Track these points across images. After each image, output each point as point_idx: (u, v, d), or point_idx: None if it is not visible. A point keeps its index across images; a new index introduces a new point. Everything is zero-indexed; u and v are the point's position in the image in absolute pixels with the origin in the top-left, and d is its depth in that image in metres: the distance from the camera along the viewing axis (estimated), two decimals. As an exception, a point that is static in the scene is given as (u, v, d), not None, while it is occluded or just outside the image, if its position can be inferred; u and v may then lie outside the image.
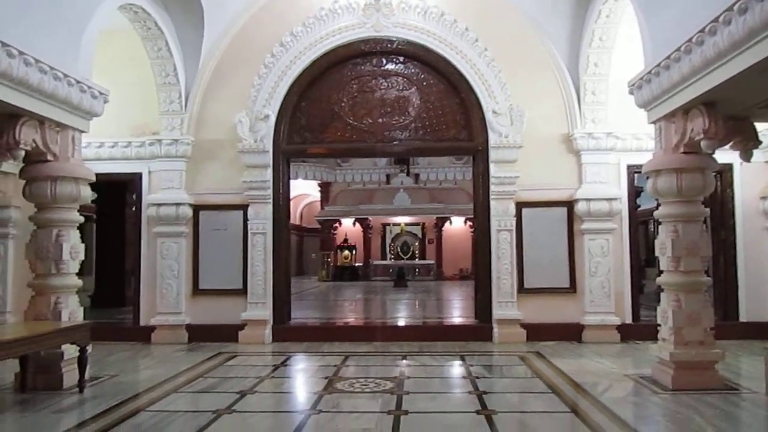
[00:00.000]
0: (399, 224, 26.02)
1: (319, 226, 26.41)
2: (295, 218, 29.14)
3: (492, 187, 8.18)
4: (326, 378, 5.86)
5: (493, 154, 8.15)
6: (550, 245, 8.24)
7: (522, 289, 8.18)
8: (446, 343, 7.89)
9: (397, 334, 8.28)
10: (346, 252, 25.38)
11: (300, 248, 29.49)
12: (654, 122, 5.81)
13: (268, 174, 8.30)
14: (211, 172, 8.54)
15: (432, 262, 24.83)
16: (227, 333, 8.17)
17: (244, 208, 8.36)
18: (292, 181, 24.87)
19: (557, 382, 5.58)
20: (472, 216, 24.32)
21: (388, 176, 25.77)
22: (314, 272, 26.09)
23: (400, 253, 25.99)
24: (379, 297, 15.26)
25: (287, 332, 8.28)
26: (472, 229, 25.43)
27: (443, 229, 25.48)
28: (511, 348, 7.60)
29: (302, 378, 6.16)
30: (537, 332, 8.02)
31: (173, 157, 8.38)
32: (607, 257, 8.09)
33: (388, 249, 26.22)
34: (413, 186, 25.33)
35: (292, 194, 27.44)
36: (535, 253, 8.22)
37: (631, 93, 5.98)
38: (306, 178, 24.60)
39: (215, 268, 8.39)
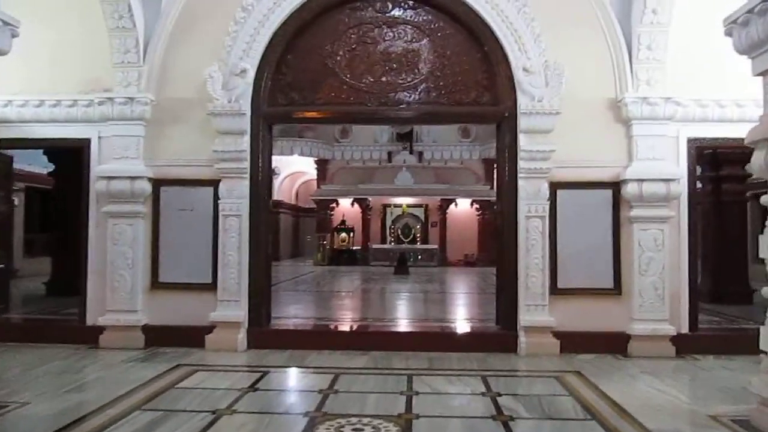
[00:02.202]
0: (401, 205, 24.45)
1: (315, 206, 24.83)
2: (291, 197, 27.65)
3: (521, 163, 6.61)
4: (306, 414, 4.33)
5: (523, 122, 6.56)
6: (591, 236, 6.69)
7: (555, 290, 6.64)
8: (461, 355, 6.37)
9: (400, 342, 6.72)
10: (344, 234, 23.84)
11: (296, 229, 28.04)
12: (761, 74, 4.21)
13: (245, 142, 6.72)
14: (176, 139, 6.95)
15: (435, 246, 23.27)
16: (193, 336, 6.64)
17: (215, 183, 6.79)
18: (286, 158, 23.73)
19: (620, 427, 4.07)
20: (479, 198, 23.14)
21: (389, 153, 24.23)
22: (310, 255, 24.54)
23: (401, 236, 24.47)
24: (378, 286, 13.74)
25: (266, 337, 6.74)
26: (479, 213, 24.20)
27: (448, 211, 23.89)
28: (543, 364, 6.08)
29: (275, 414, 4.58)
30: (572, 343, 6.50)
31: (128, 120, 6.78)
32: (661, 251, 6.54)
33: (388, 231, 24.66)
34: (417, 165, 23.78)
35: (287, 171, 26.19)
36: (572, 246, 6.67)
37: (728, 34, 4.38)
38: (302, 154, 23.13)
39: (179, 257, 6.85)
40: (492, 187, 23.91)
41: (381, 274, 18.01)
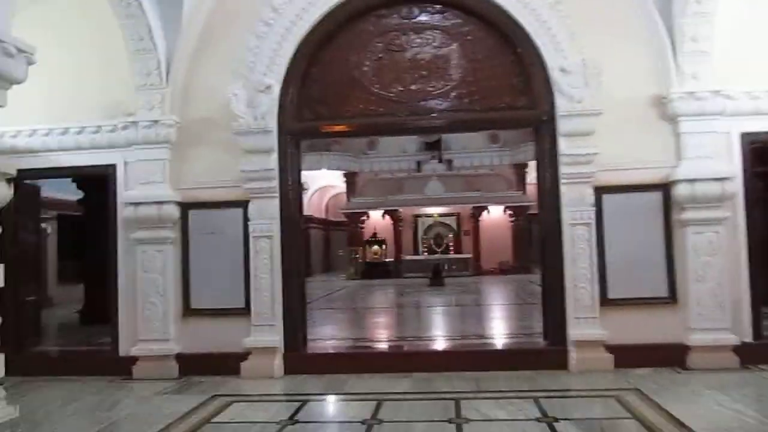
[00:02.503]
0: (432, 215, 24.09)
1: (345, 220, 24.60)
2: (320, 212, 27.50)
3: (562, 168, 6.25)
4: (351, 450, 4.04)
5: (562, 125, 6.21)
6: (641, 242, 6.29)
7: (605, 301, 6.25)
8: (509, 374, 6.02)
9: (443, 362, 6.38)
10: (376, 247, 23.56)
11: (326, 244, 27.85)
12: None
13: (273, 160, 6.49)
14: (202, 161, 6.76)
15: (469, 255, 22.84)
16: (227, 364, 6.41)
17: (244, 204, 6.57)
18: (314, 173, 23.56)
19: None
20: (511, 204, 22.67)
21: (418, 163, 23.90)
22: (342, 269, 24.28)
23: (434, 246, 24.11)
24: (413, 300, 13.41)
25: (303, 362, 6.48)
26: (512, 219, 23.73)
27: (480, 219, 23.46)
28: (598, 381, 5.71)
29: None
30: (626, 356, 6.09)
31: (153, 143, 6.61)
32: (717, 255, 6.12)
33: (420, 242, 24.30)
34: (446, 173, 23.40)
35: (316, 186, 25.97)
36: (622, 253, 6.28)
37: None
38: (330, 168, 22.95)
39: (210, 282, 6.63)
40: (524, 192, 23.48)
41: (415, 286, 17.68)
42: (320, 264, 26.85)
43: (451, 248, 23.95)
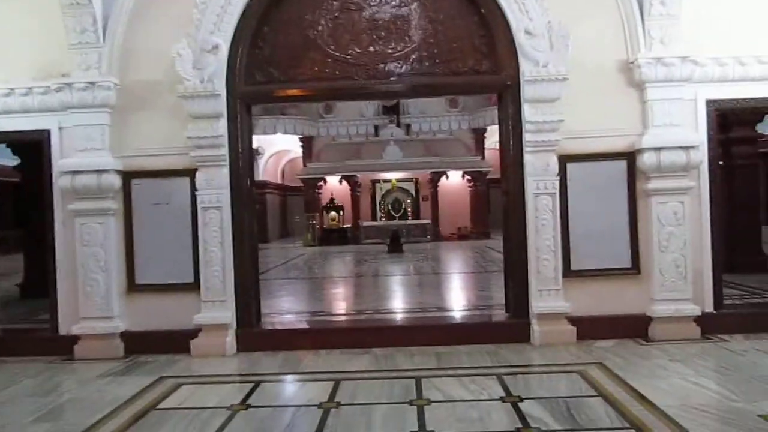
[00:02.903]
0: (390, 181, 23.81)
1: (302, 185, 24.13)
2: (276, 177, 26.95)
3: (526, 136, 6.01)
4: (308, 439, 3.79)
5: (527, 91, 5.95)
6: (605, 212, 6.14)
7: (568, 272, 6.11)
8: (471, 348, 5.84)
9: (403, 336, 6.16)
10: (333, 213, 23.20)
11: (283, 209, 27.42)
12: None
13: (222, 126, 6.07)
14: (146, 127, 6.29)
15: (428, 221, 22.71)
16: (177, 341, 6.09)
17: (191, 173, 6.16)
18: (270, 137, 23.04)
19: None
20: (470, 169, 22.55)
21: (376, 127, 23.52)
22: (300, 235, 23.88)
23: (392, 212, 23.90)
24: (372, 268, 13.17)
25: (256, 339, 6.18)
26: (470, 185, 23.61)
27: (439, 184, 23.29)
28: (561, 355, 5.58)
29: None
30: (589, 328, 6.00)
31: (90, 107, 6.10)
32: (682, 226, 6.01)
33: (378, 208, 24.06)
34: (405, 138, 23.09)
35: (272, 150, 25.39)
36: (586, 224, 6.13)
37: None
38: (285, 132, 22.44)
39: (157, 256, 6.24)
40: (483, 158, 23.39)
41: (374, 253, 17.47)
42: (277, 230, 26.42)
43: (410, 214, 23.77)
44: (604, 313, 6.07)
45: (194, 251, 6.17)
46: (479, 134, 23.50)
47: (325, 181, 23.87)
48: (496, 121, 21.07)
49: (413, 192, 24.09)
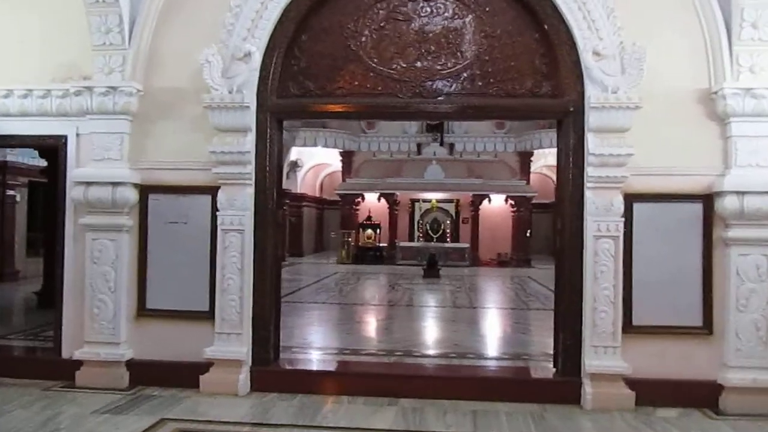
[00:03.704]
0: (430, 200, 23.10)
1: (340, 200, 23.63)
2: (314, 190, 26.56)
3: (589, 170, 5.29)
4: None
5: (593, 118, 5.24)
6: (675, 261, 5.36)
7: (629, 327, 5.33)
8: (512, 407, 5.12)
9: (436, 386, 5.45)
10: (369, 231, 22.62)
11: (320, 223, 26.99)
12: None
13: (249, 141, 5.51)
14: (167, 138, 5.78)
15: (467, 245, 21.91)
16: (186, 375, 5.51)
17: (213, 191, 5.61)
18: (309, 149, 22.68)
19: None
20: (514, 194, 21.70)
21: (419, 145, 22.95)
22: (335, 250, 23.28)
23: (430, 233, 23.16)
24: (406, 295, 12.45)
25: (273, 379, 5.57)
26: (513, 210, 22.76)
27: (480, 207, 22.50)
28: (617, 424, 4.84)
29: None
30: (650, 393, 5.21)
31: (110, 114, 5.62)
32: (765, 282, 5.20)
33: (416, 228, 23.36)
34: (448, 158, 22.44)
35: (311, 163, 25.02)
36: (651, 273, 5.36)
37: None
38: (326, 146, 22.03)
39: (170, 280, 5.70)
40: (528, 182, 22.55)
41: (409, 276, 16.76)
42: (312, 244, 25.97)
43: (448, 236, 23.01)
44: (668, 377, 5.28)
45: (211, 277, 5.61)
46: (525, 157, 22.70)
47: (363, 198, 23.32)
48: (544, 144, 20.34)
49: (453, 214, 23.33)
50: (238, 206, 5.53)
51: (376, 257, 21.80)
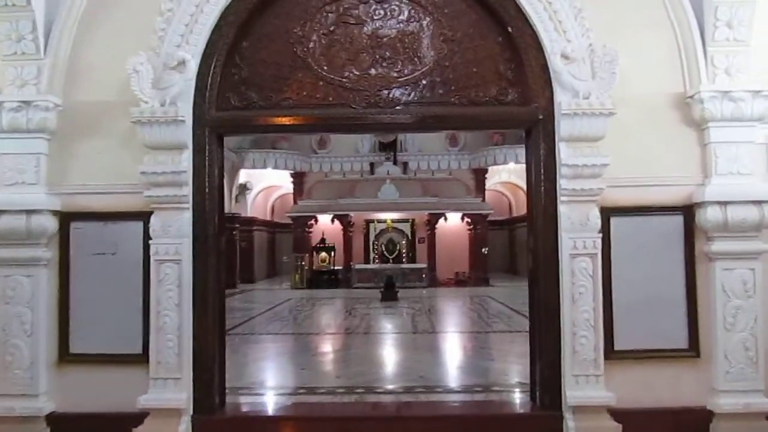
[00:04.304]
0: (385, 221, 22.60)
1: (292, 223, 22.91)
2: (265, 213, 25.76)
3: (562, 182, 4.85)
4: None
5: (564, 126, 4.81)
6: (657, 279, 4.96)
7: (611, 353, 4.88)
8: (490, 450, 4.59)
9: (404, 428, 4.89)
10: (324, 254, 21.93)
11: (271, 248, 26.17)
12: None
13: (185, 159, 4.88)
14: (92, 158, 5.10)
15: (424, 265, 21.42)
16: (117, 428, 4.79)
17: (145, 217, 4.95)
18: (260, 172, 21.97)
19: None
20: (470, 212, 21.38)
21: (372, 165, 22.52)
22: (288, 275, 22.46)
23: (385, 253, 22.62)
24: (364, 321, 11.82)
25: (218, 428, 4.92)
26: (470, 228, 22.43)
27: (437, 226, 22.09)
28: (607, 465, 4.33)
29: None
30: (637, 424, 4.75)
31: (24, 132, 4.91)
32: (752, 298, 4.83)
33: (372, 249, 22.80)
34: (402, 177, 22.03)
35: (261, 185, 24.23)
36: (633, 293, 4.94)
37: None
38: (276, 167, 21.39)
39: (98, 319, 4.99)
40: (483, 200, 22.32)
41: (366, 300, 16.13)
42: (264, 269, 25.09)
43: (404, 257, 22.51)
44: (656, 406, 4.84)
45: (144, 314, 4.93)
46: (480, 174, 22.48)
47: (316, 220, 22.65)
48: (498, 161, 20.06)
49: (409, 233, 22.85)
50: (174, 233, 4.88)
51: (332, 281, 21.13)
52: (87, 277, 5.01)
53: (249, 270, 22.61)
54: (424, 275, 20.86)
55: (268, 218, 26.37)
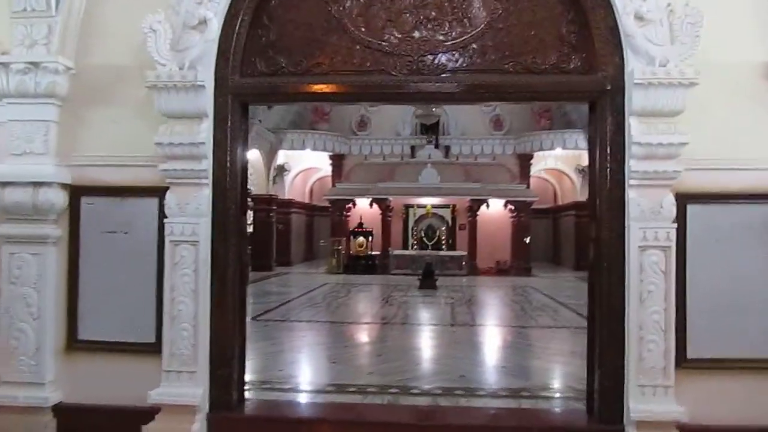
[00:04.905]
0: (425, 206, 21.97)
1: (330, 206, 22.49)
2: (304, 196, 25.43)
3: (632, 164, 4.19)
4: None
5: (636, 98, 4.14)
6: (742, 276, 4.28)
7: (684, 361, 4.24)
8: (539, 468, 4.01)
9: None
10: (361, 238, 21.44)
11: (309, 231, 25.84)
12: None
13: (204, 130, 4.39)
14: (106, 127, 4.66)
15: (464, 253, 20.75)
16: (127, 423, 4.37)
17: (161, 193, 4.49)
18: (299, 153, 21.67)
19: None
20: (513, 199, 20.62)
21: (413, 148, 21.91)
22: (326, 258, 22.06)
23: (425, 240, 22.00)
24: (401, 311, 11.26)
25: (235, 428, 4.45)
26: (513, 215, 21.66)
27: (478, 213, 21.35)
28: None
29: None
30: (713, 446, 4.12)
31: (32, 97, 4.48)
32: None
33: (410, 234, 22.21)
34: (443, 161, 21.36)
35: (300, 167, 23.85)
36: (712, 293, 4.27)
37: None
38: (315, 148, 20.96)
39: (108, 304, 4.57)
40: (528, 186, 21.52)
41: (404, 287, 15.59)
42: (302, 253, 24.79)
43: (444, 243, 21.87)
44: (735, 424, 4.19)
45: (158, 300, 4.48)
46: (525, 160, 21.64)
47: (354, 204, 22.16)
48: (544, 146, 19.09)
49: (449, 220, 22.18)
50: (192, 211, 4.41)
51: (368, 266, 20.64)
52: (97, 257, 4.58)
53: (286, 253, 22.31)
54: (463, 263, 20.21)
55: (307, 201, 26.01)
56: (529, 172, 21.89)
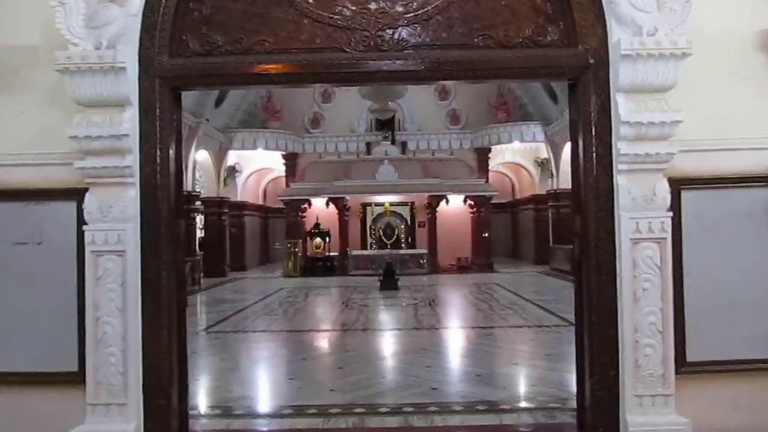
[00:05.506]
0: (383, 204, 21.41)
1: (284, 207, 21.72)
2: (257, 197, 24.59)
3: (621, 146, 3.72)
4: None
5: (624, 72, 3.66)
6: (744, 270, 3.86)
7: (684, 364, 3.79)
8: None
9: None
10: (318, 239, 20.72)
11: (264, 234, 25.02)
12: None
13: (128, 119, 3.74)
14: (9, 120, 3.97)
15: (424, 251, 20.25)
16: (47, 468, 3.70)
17: (79, 195, 3.82)
18: (250, 153, 20.80)
19: None
20: (473, 194, 20.23)
21: (368, 145, 21.30)
22: (282, 261, 21.26)
23: (383, 238, 21.45)
24: (362, 315, 10.63)
25: (175, 467, 3.80)
26: (472, 211, 21.30)
27: (437, 209, 20.88)
28: None
29: None
30: (718, 457, 3.68)
31: None
32: None
33: (369, 234, 21.64)
34: (400, 157, 20.83)
35: (253, 168, 22.94)
36: (711, 288, 3.84)
37: None
38: (267, 148, 20.22)
39: (19, 328, 3.88)
40: (487, 180, 21.19)
41: (364, 289, 14.97)
42: (257, 257, 23.92)
43: (404, 242, 21.36)
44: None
45: (80, 322, 3.81)
46: (483, 155, 21.28)
47: (310, 204, 21.44)
48: (502, 140, 18.67)
49: (408, 217, 21.66)
50: (116, 216, 3.76)
51: (327, 268, 19.97)
52: (5, 273, 3.88)
53: (240, 257, 21.45)
54: (424, 261, 19.71)
55: (261, 202, 25.16)
56: (487, 166, 21.55)
